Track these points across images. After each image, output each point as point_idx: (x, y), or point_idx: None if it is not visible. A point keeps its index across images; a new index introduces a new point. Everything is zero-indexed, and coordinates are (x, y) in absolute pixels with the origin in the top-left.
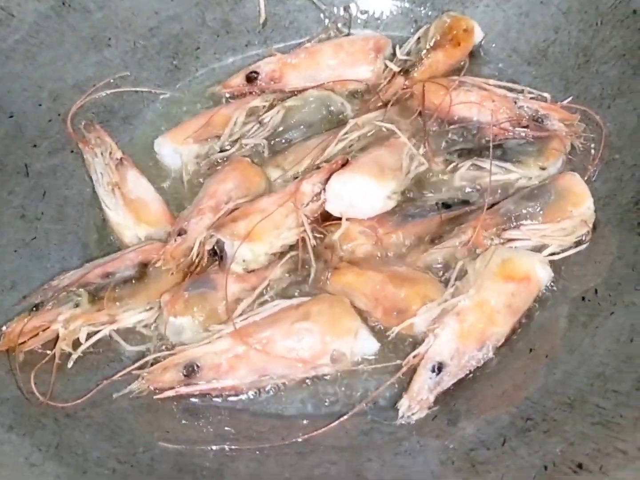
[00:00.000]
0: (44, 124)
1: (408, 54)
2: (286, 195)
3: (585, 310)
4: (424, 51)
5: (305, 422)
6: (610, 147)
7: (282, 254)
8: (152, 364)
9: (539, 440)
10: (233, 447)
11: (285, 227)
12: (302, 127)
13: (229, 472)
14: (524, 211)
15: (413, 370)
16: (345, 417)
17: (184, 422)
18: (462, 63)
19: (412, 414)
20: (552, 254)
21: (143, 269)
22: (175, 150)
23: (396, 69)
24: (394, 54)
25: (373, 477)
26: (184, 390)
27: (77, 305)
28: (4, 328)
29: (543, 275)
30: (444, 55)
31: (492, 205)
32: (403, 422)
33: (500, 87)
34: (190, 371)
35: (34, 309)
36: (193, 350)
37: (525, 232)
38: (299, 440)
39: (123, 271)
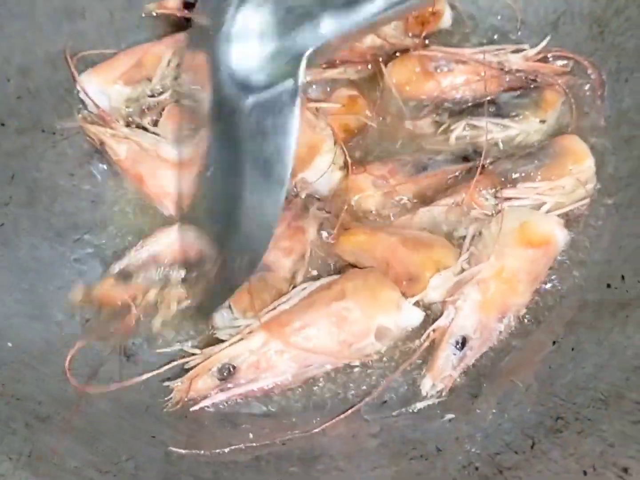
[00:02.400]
0: (12, 100)
1: None
2: None
3: (612, 297)
4: None
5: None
6: (629, 122)
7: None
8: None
9: (573, 441)
10: (230, 449)
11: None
12: None
13: None
14: (521, 169)
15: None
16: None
17: (171, 425)
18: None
19: (437, 392)
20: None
21: None
22: (103, 91)
23: None
24: None
25: None
26: (221, 396)
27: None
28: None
29: (561, 238)
30: (402, 27)
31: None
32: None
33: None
34: (227, 374)
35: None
36: (226, 351)
37: (523, 189)
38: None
39: None
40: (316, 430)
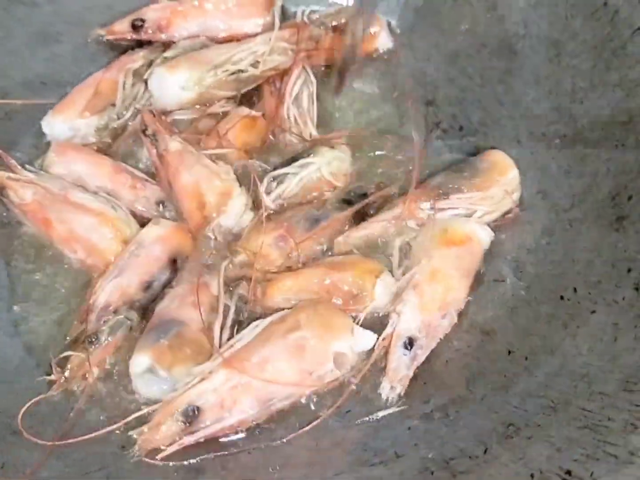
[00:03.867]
0: None
1: (311, 21)
2: None
3: (565, 309)
4: (324, 27)
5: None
6: (583, 141)
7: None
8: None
9: (522, 446)
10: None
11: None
12: None
13: None
14: (453, 182)
15: None
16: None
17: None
18: None
19: (396, 394)
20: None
21: (174, 266)
22: (72, 127)
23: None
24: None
25: None
26: (188, 440)
27: (131, 329)
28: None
29: (482, 234)
30: (337, 42)
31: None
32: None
33: None
34: (191, 417)
35: (89, 340)
36: (188, 393)
37: (455, 200)
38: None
39: (159, 276)
40: (284, 440)
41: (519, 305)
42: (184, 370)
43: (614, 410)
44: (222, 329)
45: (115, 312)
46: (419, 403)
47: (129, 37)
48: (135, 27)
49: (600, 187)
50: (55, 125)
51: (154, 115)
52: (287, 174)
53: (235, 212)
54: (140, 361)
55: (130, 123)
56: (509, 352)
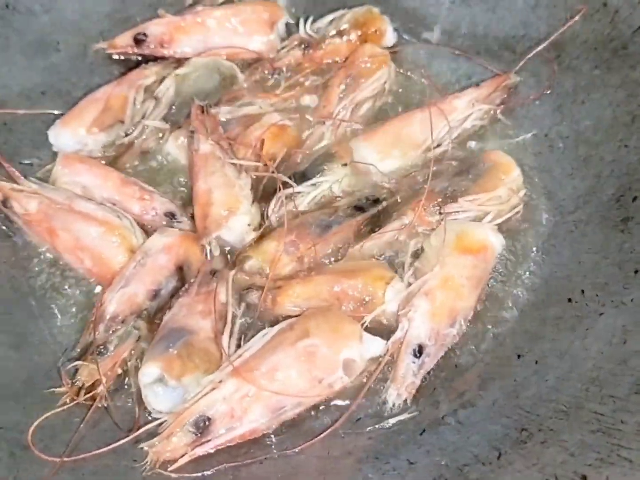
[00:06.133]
0: None
1: (316, 31)
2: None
3: (573, 312)
4: (330, 34)
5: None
6: (586, 143)
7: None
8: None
9: (536, 451)
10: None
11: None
12: (199, 96)
13: None
14: (459, 185)
15: None
16: (328, 430)
17: None
18: None
19: (402, 401)
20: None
21: (181, 274)
22: (79, 141)
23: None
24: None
25: None
26: (199, 451)
27: (139, 338)
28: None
29: (496, 242)
30: (347, 46)
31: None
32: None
33: None
34: (202, 427)
35: (98, 351)
36: (198, 404)
37: (464, 203)
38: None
39: (166, 285)
40: (296, 450)
41: (527, 308)
42: (193, 380)
43: (626, 413)
44: (230, 337)
45: (124, 322)
46: (430, 409)
47: (131, 52)
48: (138, 41)
49: (604, 188)
50: (62, 137)
51: (203, 112)
52: (300, 192)
53: (235, 230)
54: (149, 371)
55: (137, 140)
56: (519, 356)
